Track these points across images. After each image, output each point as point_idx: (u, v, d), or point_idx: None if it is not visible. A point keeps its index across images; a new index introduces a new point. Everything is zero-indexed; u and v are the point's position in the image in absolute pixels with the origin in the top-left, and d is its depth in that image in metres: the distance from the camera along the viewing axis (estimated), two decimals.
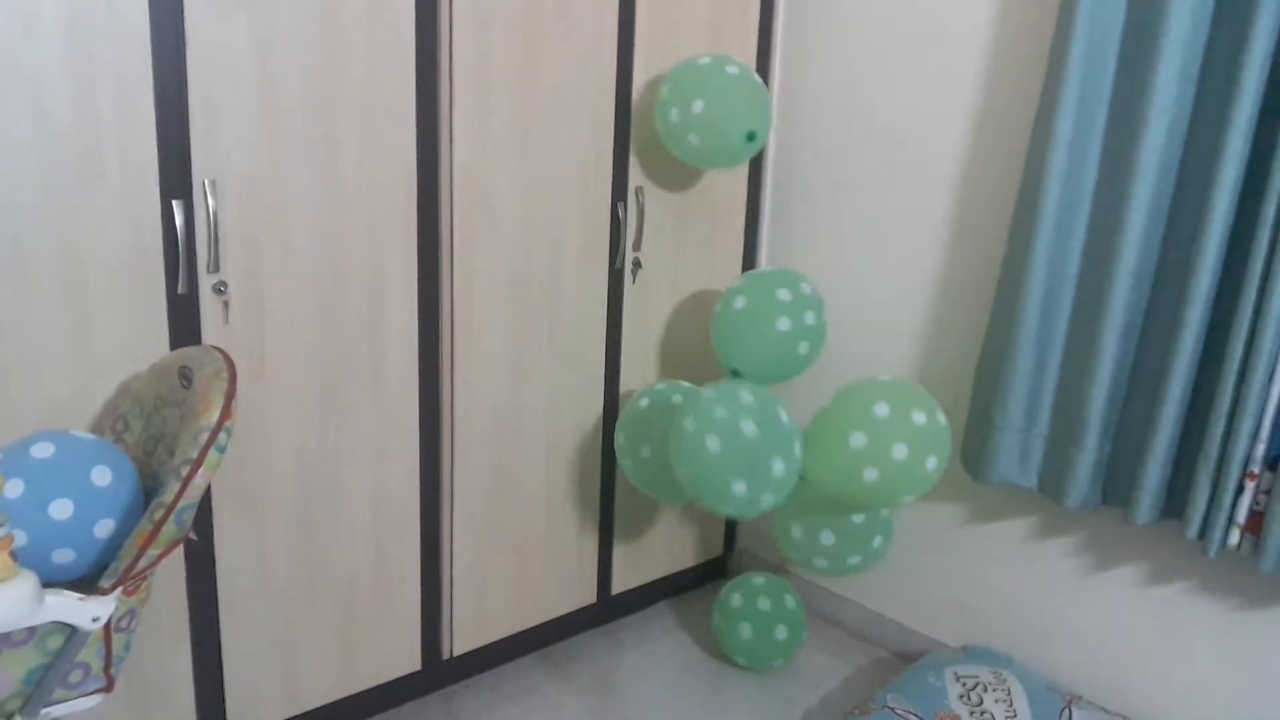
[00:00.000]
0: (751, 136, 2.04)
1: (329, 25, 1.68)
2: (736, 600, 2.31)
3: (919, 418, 1.89)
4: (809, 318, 2.12)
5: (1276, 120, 1.68)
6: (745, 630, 2.27)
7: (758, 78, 2.11)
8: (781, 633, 2.28)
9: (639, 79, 2.16)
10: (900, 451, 1.86)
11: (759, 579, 2.35)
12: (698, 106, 2.01)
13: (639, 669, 2.34)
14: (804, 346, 2.13)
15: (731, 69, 2.05)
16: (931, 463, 1.89)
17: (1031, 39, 2.03)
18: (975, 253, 2.18)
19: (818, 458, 1.96)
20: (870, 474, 1.88)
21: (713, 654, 2.41)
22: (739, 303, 2.13)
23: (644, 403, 2.14)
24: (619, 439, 2.18)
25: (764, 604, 2.29)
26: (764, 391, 1.96)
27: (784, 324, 2.09)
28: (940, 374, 2.28)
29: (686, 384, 2.20)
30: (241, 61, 1.60)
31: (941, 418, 1.92)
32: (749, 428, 1.86)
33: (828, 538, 2.07)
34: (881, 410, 1.89)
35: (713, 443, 1.84)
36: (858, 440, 1.88)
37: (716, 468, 1.85)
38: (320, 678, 1.94)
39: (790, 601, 2.32)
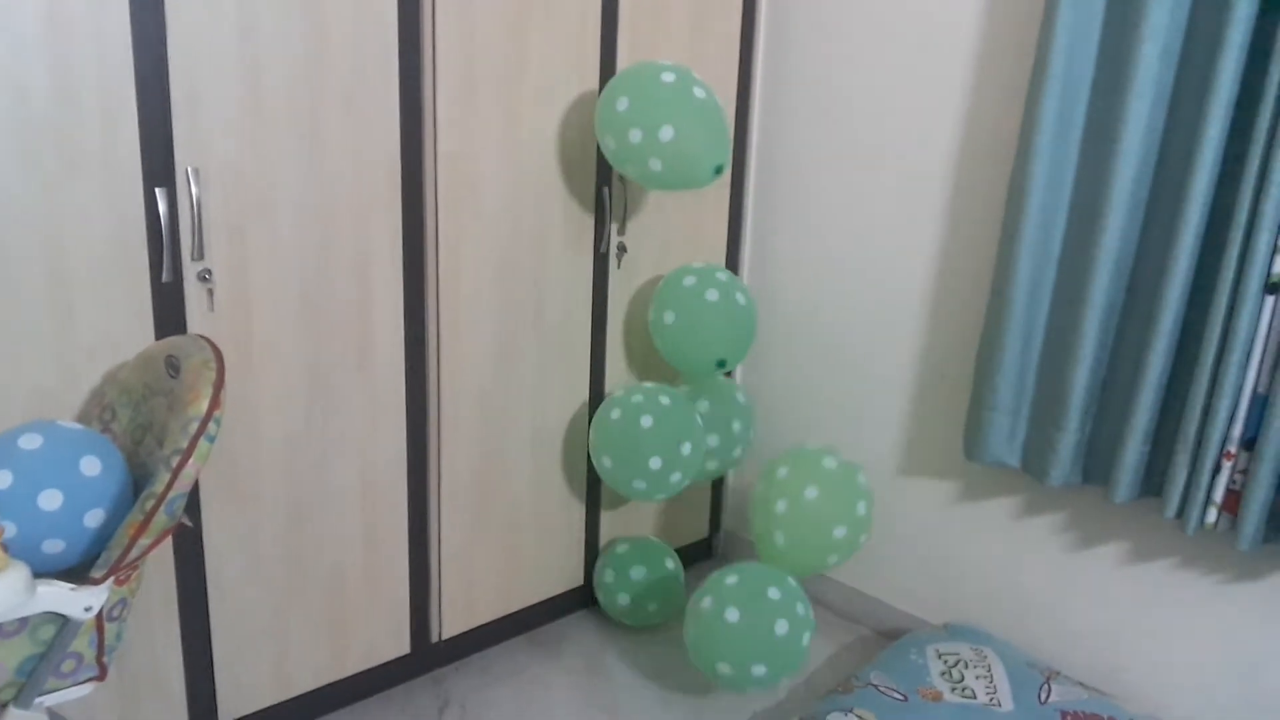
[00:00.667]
0: (719, 170, 1.98)
1: (312, 11, 1.67)
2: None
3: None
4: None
5: (1254, 106, 1.70)
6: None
7: (718, 99, 2.10)
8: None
9: (623, 64, 2.15)
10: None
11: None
12: (665, 134, 1.90)
13: (627, 649, 2.36)
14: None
15: (699, 92, 1.95)
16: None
17: (1018, 24, 2.04)
18: (976, 238, 2.20)
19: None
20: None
21: None
22: (711, 295, 2.19)
23: (615, 414, 2.16)
24: (592, 438, 2.21)
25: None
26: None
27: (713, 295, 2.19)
28: (938, 354, 2.30)
29: (660, 397, 2.18)
30: (224, 48, 1.59)
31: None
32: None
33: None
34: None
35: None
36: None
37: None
38: (310, 662, 1.96)
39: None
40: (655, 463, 2.10)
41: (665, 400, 2.14)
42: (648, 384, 2.20)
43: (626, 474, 2.14)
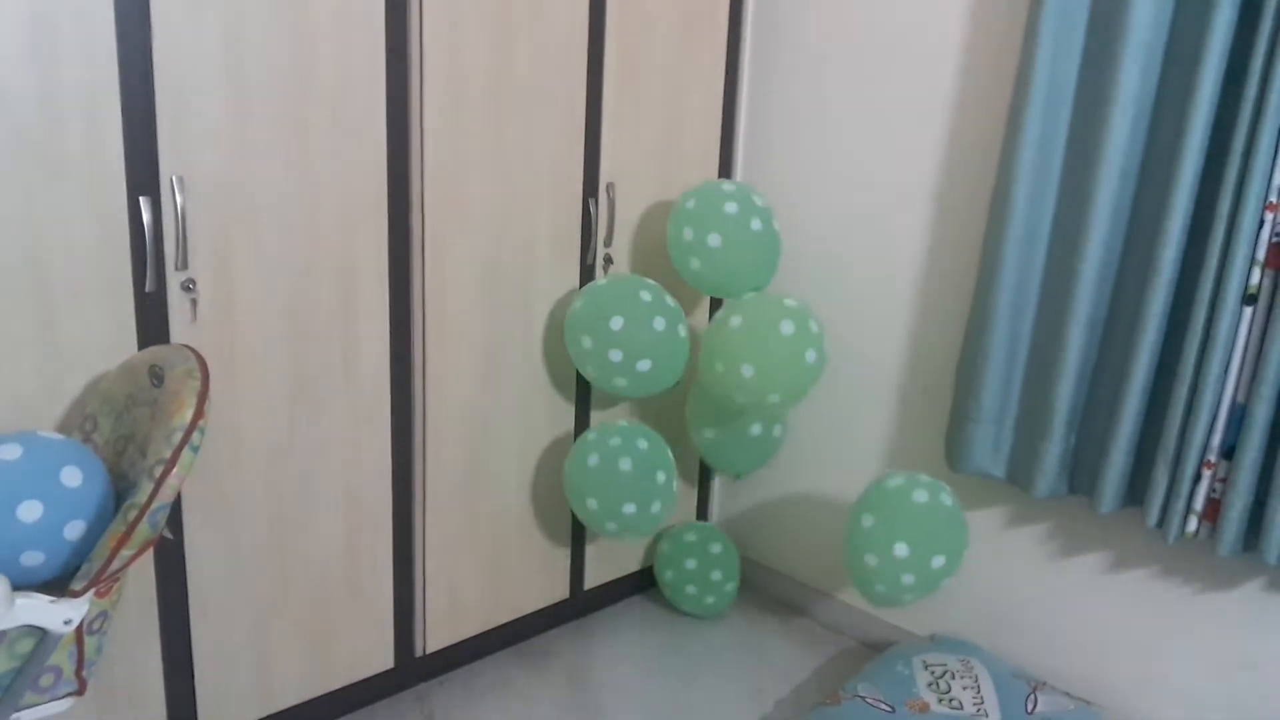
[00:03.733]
0: (756, 288, 2.19)
1: (298, 20, 1.67)
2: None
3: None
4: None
5: (1233, 119, 1.73)
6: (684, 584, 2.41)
7: (776, 228, 2.21)
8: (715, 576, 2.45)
9: (610, 76, 2.16)
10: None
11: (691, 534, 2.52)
12: (713, 240, 2.11)
13: (612, 662, 2.35)
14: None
15: (755, 224, 2.14)
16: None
17: (1000, 42, 2.07)
18: (959, 246, 2.21)
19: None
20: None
21: (685, 647, 2.43)
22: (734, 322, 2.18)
23: (593, 460, 2.15)
24: (567, 474, 2.20)
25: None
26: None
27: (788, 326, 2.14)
28: (924, 367, 2.31)
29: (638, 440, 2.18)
30: (209, 57, 1.58)
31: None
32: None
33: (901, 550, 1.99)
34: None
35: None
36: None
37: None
38: (293, 677, 1.93)
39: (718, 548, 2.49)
40: (629, 508, 2.12)
41: (643, 444, 2.15)
42: (622, 423, 2.20)
43: (608, 514, 2.13)
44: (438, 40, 1.85)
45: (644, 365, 2.07)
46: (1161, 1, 1.77)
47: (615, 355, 2.06)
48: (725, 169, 2.52)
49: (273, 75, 1.65)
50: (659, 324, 2.08)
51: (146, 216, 1.56)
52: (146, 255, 1.57)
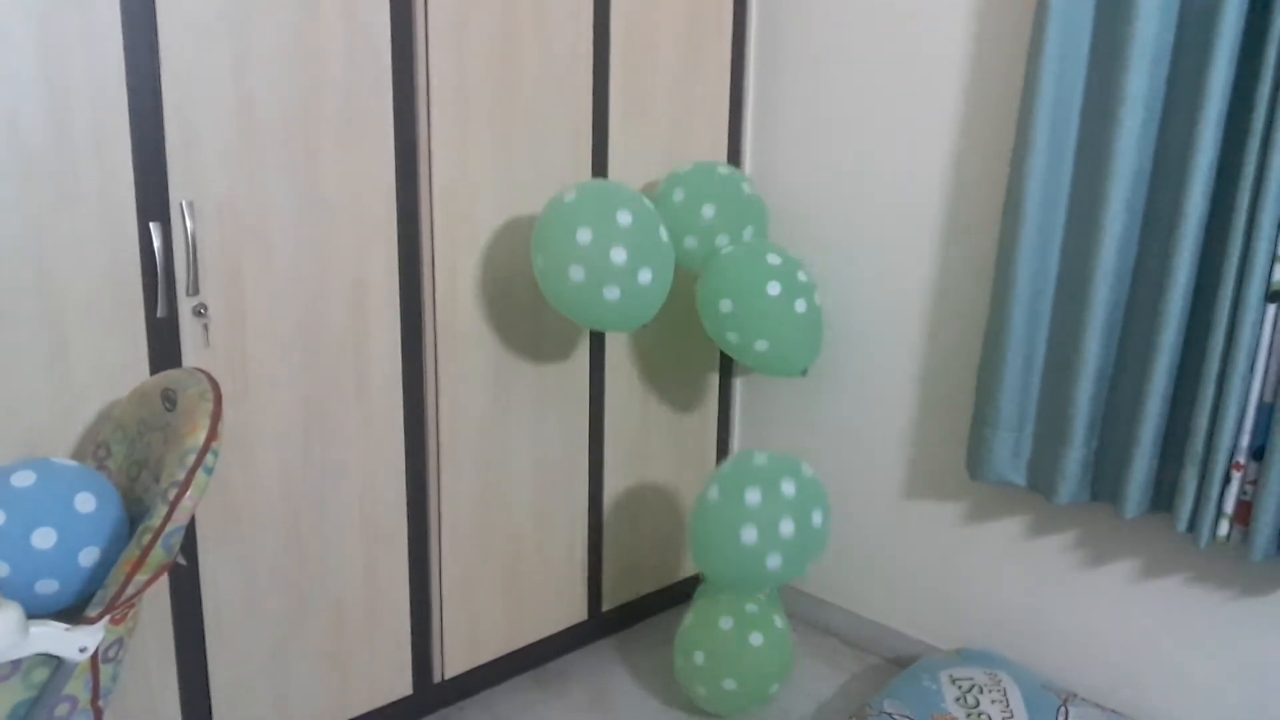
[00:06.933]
0: (804, 371, 2.20)
1: (306, 44, 1.67)
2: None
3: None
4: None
5: (1246, 113, 1.71)
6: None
7: (820, 309, 2.17)
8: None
9: (615, 89, 2.16)
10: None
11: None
12: (726, 306, 2.09)
13: (632, 684, 2.31)
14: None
15: (800, 307, 2.11)
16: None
17: (1008, 46, 2.06)
18: (973, 252, 2.20)
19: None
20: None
21: None
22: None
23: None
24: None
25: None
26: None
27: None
28: (941, 375, 2.29)
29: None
30: (218, 82, 1.58)
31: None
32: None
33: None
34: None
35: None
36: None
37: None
38: (310, 704, 1.91)
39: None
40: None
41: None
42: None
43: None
44: (443, 61, 1.85)
45: (645, 276, 1.85)
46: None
47: (619, 255, 1.82)
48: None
49: (280, 99, 1.66)
50: (664, 234, 1.94)
51: (157, 242, 1.56)
52: (158, 281, 1.57)
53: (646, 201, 1.93)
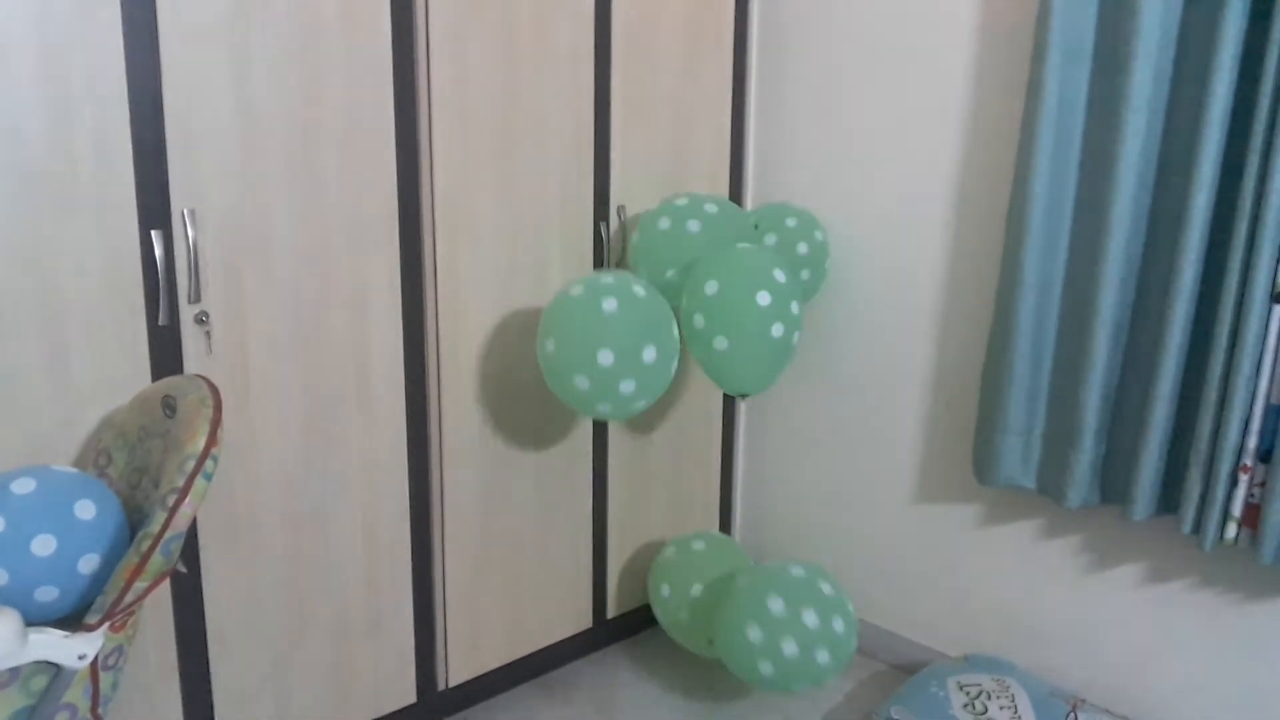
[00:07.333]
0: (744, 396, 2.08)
1: (306, 53, 1.67)
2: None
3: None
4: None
5: (1249, 117, 1.70)
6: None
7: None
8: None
9: (617, 96, 2.16)
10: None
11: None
12: (711, 288, 1.98)
13: (638, 692, 2.30)
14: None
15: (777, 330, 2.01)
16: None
17: (1012, 52, 2.06)
18: (978, 257, 2.19)
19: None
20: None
21: (711, 674, 2.38)
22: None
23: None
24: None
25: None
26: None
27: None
28: (948, 380, 2.28)
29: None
30: (219, 89, 1.59)
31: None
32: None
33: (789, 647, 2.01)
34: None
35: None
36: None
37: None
38: (314, 713, 1.90)
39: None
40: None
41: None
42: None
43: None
44: (444, 66, 1.86)
45: (649, 354, 1.85)
46: (1170, 1, 1.75)
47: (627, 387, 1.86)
48: (736, 185, 2.51)
49: (282, 106, 1.66)
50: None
51: (159, 250, 1.57)
52: (159, 289, 1.57)
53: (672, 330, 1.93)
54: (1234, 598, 1.87)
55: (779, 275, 1.99)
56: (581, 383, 1.86)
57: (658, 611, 2.32)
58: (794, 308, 2.01)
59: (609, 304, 1.85)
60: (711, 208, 2.08)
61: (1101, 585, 2.05)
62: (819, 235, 2.29)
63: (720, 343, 1.97)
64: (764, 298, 1.95)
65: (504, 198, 2.00)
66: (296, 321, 1.74)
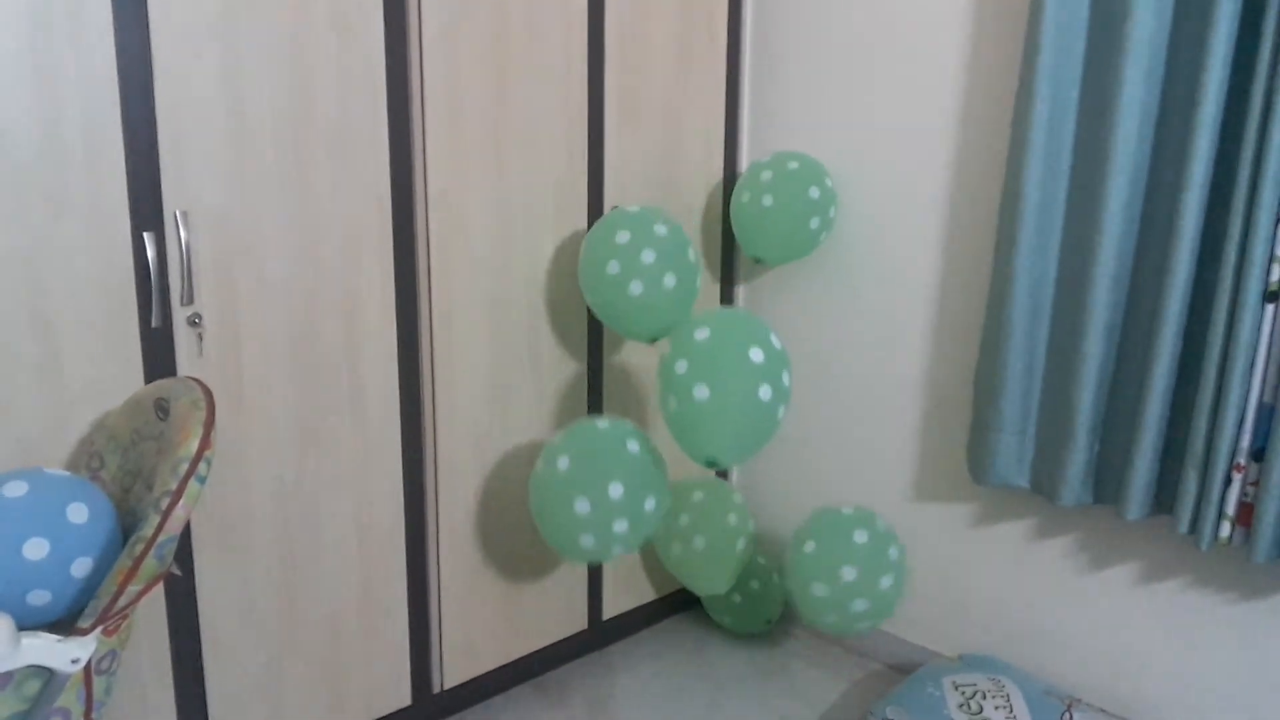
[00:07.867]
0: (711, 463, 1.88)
1: (298, 55, 1.67)
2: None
3: None
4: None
5: (1240, 114, 1.70)
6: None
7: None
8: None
9: (611, 95, 2.16)
10: None
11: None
12: (702, 335, 1.89)
13: (634, 693, 2.30)
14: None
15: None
16: None
17: (1004, 52, 2.06)
18: (971, 256, 2.19)
19: None
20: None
21: (707, 675, 2.38)
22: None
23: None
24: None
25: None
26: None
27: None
28: (942, 379, 2.28)
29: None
30: (211, 93, 1.58)
31: None
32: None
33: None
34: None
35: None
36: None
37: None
38: (308, 716, 1.89)
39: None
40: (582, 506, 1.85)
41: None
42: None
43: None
44: (437, 72, 1.85)
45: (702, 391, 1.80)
46: (1162, 1, 1.76)
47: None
48: (729, 185, 2.51)
49: (274, 107, 1.66)
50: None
51: (151, 252, 1.56)
52: (152, 291, 1.57)
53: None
54: (1228, 596, 1.88)
55: (775, 341, 1.89)
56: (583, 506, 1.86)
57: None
58: (785, 378, 1.88)
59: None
60: (661, 229, 2.00)
61: (1097, 584, 2.05)
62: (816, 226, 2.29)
63: (700, 391, 1.81)
64: (757, 354, 1.83)
65: (497, 200, 2.00)
66: (289, 323, 1.74)
